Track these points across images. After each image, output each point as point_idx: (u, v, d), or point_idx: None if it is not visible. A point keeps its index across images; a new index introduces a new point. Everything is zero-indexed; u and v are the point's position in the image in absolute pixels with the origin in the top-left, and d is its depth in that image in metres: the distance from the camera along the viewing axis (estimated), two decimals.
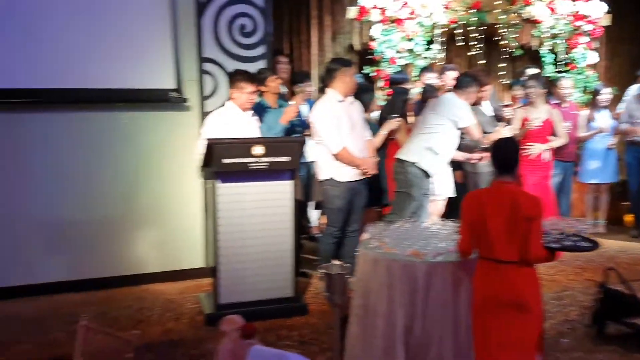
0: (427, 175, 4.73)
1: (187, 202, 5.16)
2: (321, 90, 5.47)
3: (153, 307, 4.48)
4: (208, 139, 4.03)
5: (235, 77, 4.55)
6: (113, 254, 4.94)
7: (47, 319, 4.18)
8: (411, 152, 4.72)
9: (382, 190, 5.14)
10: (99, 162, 4.91)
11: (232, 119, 4.51)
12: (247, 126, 4.54)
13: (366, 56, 7.14)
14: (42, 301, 4.52)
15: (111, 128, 4.95)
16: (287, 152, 4.11)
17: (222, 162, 3.97)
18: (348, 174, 4.58)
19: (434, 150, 4.68)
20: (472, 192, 3.18)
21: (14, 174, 4.70)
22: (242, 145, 4.04)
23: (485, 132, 5.03)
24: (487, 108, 5.60)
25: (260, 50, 5.25)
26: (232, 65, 5.06)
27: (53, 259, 4.79)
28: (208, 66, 5.12)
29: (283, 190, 4.17)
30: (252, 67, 5.04)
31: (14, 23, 4.59)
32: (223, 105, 4.67)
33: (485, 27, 7.19)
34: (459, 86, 4.87)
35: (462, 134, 4.86)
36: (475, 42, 7.23)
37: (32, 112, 4.73)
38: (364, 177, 4.64)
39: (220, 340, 2.40)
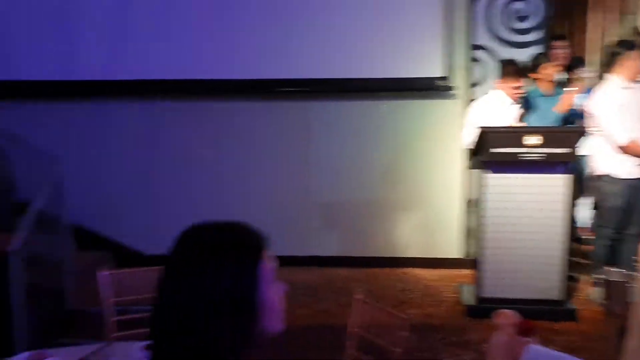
0: None
1: (447, 191, 5.18)
2: (601, 77, 4.98)
3: (413, 290, 4.61)
4: (480, 127, 3.97)
5: (505, 68, 4.44)
6: (377, 235, 5.21)
7: (320, 289, 4.59)
8: None
9: None
10: (367, 148, 5.19)
11: (497, 107, 4.40)
12: (510, 116, 4.39)
13: None
14: (316, 272, 4.96)
15: (378, 116, 5.18)
16: (564, 143, 3.84)
17: (491, 151, 3.88)
18: (629, 170, 4.12)
19: None
20: None
21: (300, 158, 5.23)
22: (514, 135, 3.89)
23: None
24: None
25: (535, 35, 4.98)
26: (504, 51, 4.91)
27: (326, 235, 5.24)
28: (477, 53, 5.04)
29: (557, 185, 3.91)
30: (526, 53, 4.83)
31: (289, 17, 5.04)
32: (488, 92, 4.57)
33: None
34: None
35: None
36: None
37: (312, 100, 5.20)
38: None
39: (492, 333, 2.36)
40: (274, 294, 1.06)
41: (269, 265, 1.06)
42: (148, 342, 2.52)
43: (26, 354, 2.43)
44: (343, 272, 4.98)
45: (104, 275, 3.02)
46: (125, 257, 4.96)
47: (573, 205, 5.25)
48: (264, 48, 5.04)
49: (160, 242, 4.96)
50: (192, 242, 1.04)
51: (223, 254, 1.01)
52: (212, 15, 5.07)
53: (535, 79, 4.67)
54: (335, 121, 5.21)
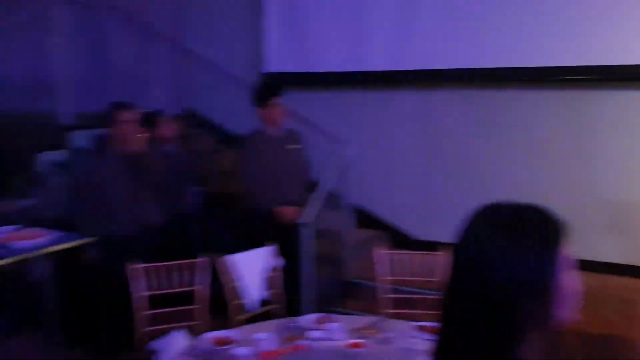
0: None
1: None
2: None
3: None
4: None
5: None
6: None
7: (598, 296, 4.21)
8: None
9: None
10: None
11: None
12: None
13: None
14: (592, 278, 4.54)
15: None
16: None
17: None
18: None
19: None
20: None
21: (585, 151, 4.85)
22: None
23: None
24: None
25: None
26: None
27: (608, 239, 4.77)
28: None
29: None
30: None
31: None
32: None
33: None
34: None
35: None
36: None
37: (601, 89, 4.75)
38: None
39: None
40: (570, 282, 1.02)
41: (567, 252, 1.02)
42: (421, 323, 2.64)
43: (314, 315, 2.76)
44: (624, 281, 4.51)
45: (382, 253, 3.26)
46: (396, 238, 5.23)
47: None
48: (546, 33, 4.77)
49: (431, 228, 5.20)
50: (488, 221, 1.02)
51: (522, 234, 0.98)
52: (492, 5, 4.98)
53: None
54: (626, 113, 4.69)
